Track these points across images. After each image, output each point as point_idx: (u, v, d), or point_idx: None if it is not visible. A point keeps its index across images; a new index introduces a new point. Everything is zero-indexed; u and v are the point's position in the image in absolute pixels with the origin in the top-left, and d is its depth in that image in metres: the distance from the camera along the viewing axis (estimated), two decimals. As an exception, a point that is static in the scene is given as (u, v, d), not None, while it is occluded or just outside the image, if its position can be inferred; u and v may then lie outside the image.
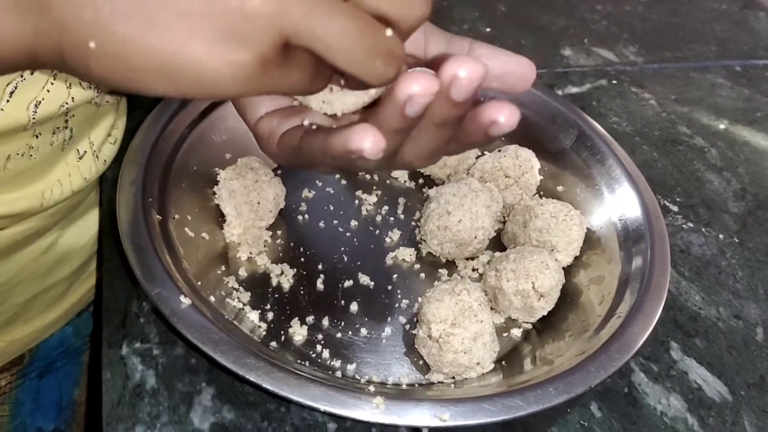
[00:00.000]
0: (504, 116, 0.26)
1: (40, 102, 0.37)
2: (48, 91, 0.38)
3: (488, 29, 0.78)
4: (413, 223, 0.52)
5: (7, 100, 0.36)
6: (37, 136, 0.40)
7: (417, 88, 0.24)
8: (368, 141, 0.25)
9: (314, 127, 0.30)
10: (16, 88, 0.36)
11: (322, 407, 0.34)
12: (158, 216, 0.43)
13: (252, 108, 0.34)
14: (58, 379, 0.61)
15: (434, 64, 0.28)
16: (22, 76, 0.36)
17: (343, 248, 0.49)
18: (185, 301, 0.37)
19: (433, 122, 0.27)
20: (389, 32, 0.26)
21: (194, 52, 0.24)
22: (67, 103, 0.39)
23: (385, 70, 0.26)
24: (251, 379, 0.34)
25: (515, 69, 0.32)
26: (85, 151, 0.46)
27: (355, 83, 0.30)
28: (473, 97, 0.26)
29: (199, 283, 0.41)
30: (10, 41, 0.24)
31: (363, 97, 0.31)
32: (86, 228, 0.54)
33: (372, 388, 0.36)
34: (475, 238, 0.47)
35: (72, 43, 0.24)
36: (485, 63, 0.29)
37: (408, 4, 0.26)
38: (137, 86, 0.25)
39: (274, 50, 0.24)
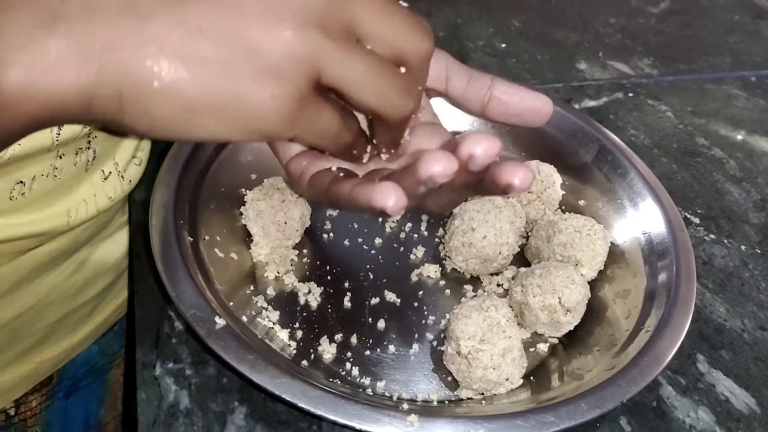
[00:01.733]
0: (519, 179, 0.27)
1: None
2: None
3: (503, 45, 0.78)
4: (437, 239, 0.52)
5: None
6: (60, 157, 0.42)
7: (438, 168, 0.26)
8: (391, 200, 0.26)
9: (341, 174, 0.32)
10: None
11: (357, 425, 0.35)
12: (189, 238, 0.43)
13: (284, 148, 0.36)
14: (84, 399, 0.62)
15: (451, 145, 0.30)
16: None
17: (368, 266, 0.50)
18: (220, 321, 0.38)
19: (452, 185, 0.29)
20: (402, 70, 0.29)
21: (243, 87, 0.26)
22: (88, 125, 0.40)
23: (403, 104, 0.29)
24: (287, 398, 0.35)
25: (533, 105, 0.34)
26: (110, 172, 0.47)
27: (378, 132, 0.32)
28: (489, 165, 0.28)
29: (231, 303, 0.42)
30: (71, 90, 0.24)
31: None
32: (114, 248, 0.54)
33: (405, 406, 0.37)
34: (500, 253, 0.48)
35: (135, 85, 0.25)
36: (505, 100, 0.34)
37: (411, 41, 0.29)
38: (190, 127, 0.27)
39: (309, 86, 0.27)
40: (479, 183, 0.29)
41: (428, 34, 0.30)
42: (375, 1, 0.28)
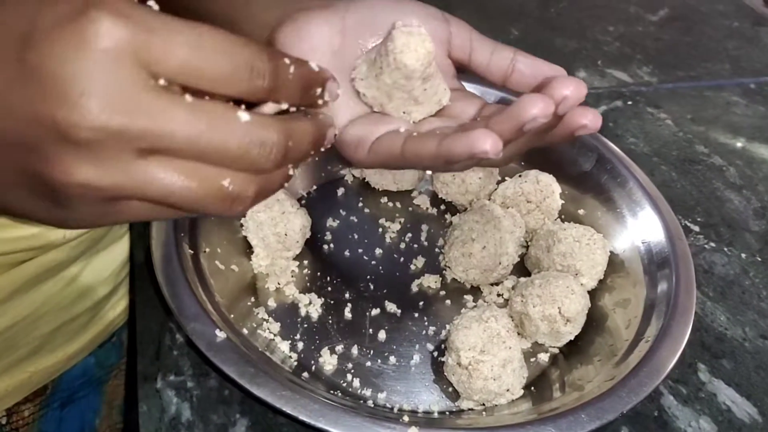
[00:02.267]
0: (589, 120, 0.29)
1: None
2: None
3: (502, 53, 0.79)
4: (437, 249, 0.53)
5: None
6: None
7: (538, 110, 0.27)
8: (488, 144, 0.27)
9: (415, 134, 0.33)
10: None
11: (358, 438, 0.35)
12: (190, 250, 0.44)
13: (333, 115, 0.35)
14: (80, 410, 0.62)
15: (540, 87, 0.32)
16: None
17: (368, 276, 0.50)
18: (220, 334, 0.38)
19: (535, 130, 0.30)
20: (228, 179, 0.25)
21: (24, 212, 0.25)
22: None
23: (232, 209, 0.26)
24: (288, 411, 0.35)
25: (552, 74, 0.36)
26: None
27: None
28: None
29: (232, 315, 0.42)
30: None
31: (435, 107, 0.36)
32: (110, 260, 0.55)
33: (406, 418, 0.37)
34: (500, 264, 0.48)
35: None
36: (527, 72, 0.36)
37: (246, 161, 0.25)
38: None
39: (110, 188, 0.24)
40: (549, 130, 0.31)
41: (272, 146, 0.25)
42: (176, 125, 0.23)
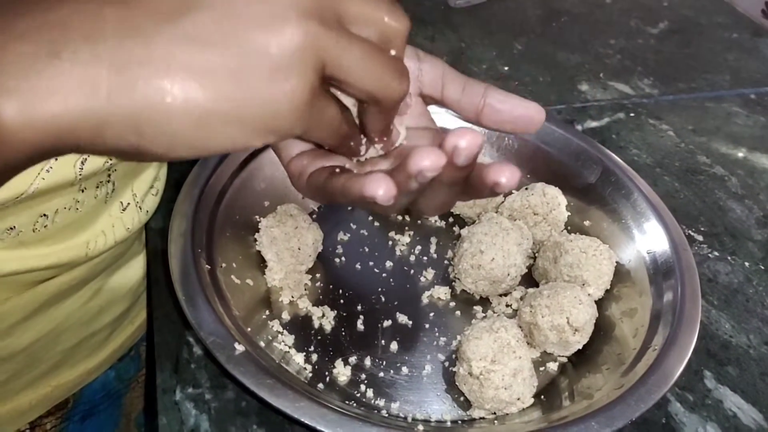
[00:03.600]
0: (505, 177, 0.28)
1: (86, 159, 0.40)
2: None
3: (506, 68, 0.80)
4: (446, 261, 0.54)
5: (56, 159, 0.39)
6: (82, 191, 0.43)
7: (427, 162, 0.27)
8: (381, 189, 0.27)
9: (337, 170, 0.33)
10: None
11: (375, 447, 0.36)
12: (207, 265, 0.45)
13: (286, 149, 0.37)
14: (100, 423, 0.63)
15: (438, 141, 0.31)
16: None
17: (380, 289, 0.51)
18: (239, 347, 0.39)
19: (441, 182, 0.30)
20: (393, 52, 0.30)
21: (256, 90, 0.26)
22: (110, 159, 0.42)
23: (399, 85, 0.30)
24: (306, 421, 0.36)
25: (526, 113, 0.35)
26: (128, 203, 0.48)
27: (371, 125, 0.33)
28: (474, 160, 0.29)
29: (249, 329, 0.43)
30: (78, 116, 0.24)
31: (400, 138, 0.36)
32: (129, 276, 0.56)
33: (420, 427, 0.38)
34: (508, 275, 0.49)
35: (149, 106, 0.25)
36: (499, 108, 0.35)
37: (394, 21, 0.30)
38: (210, 139, 0.27)
39: (318, 77, 0.27)
40: (468, 184, 0.30)
41: (403, 14, 0.30)
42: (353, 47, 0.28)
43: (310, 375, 0.44)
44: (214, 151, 0.27)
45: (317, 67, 0.27)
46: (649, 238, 0.51)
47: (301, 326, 0.47)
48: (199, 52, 0.25)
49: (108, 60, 0.24)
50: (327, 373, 0.44)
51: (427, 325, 0.49)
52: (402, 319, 0.49)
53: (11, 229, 0.41)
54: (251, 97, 0.26)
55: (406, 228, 0.56)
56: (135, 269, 0.57)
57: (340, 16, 0.28)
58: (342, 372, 0.44)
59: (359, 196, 0.28)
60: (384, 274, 0.52)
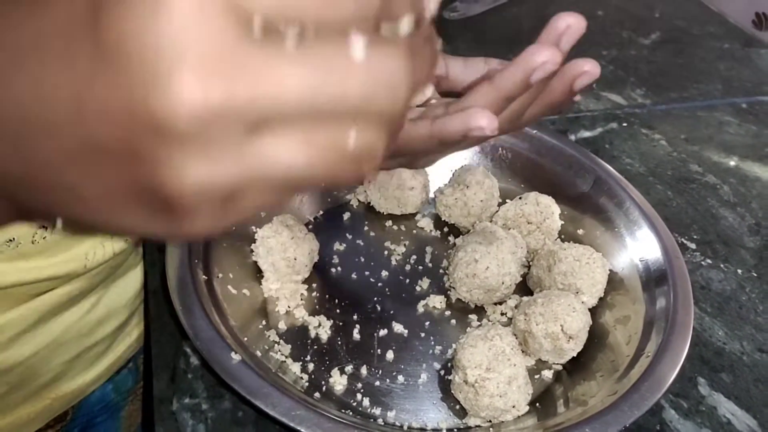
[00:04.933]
0: (589, 66, 0.30)
1: None
2: None
3: (500, 78, 0.81)
4: (441, 270, 0.54)
5: None
6: None
7: (545, 57, 0.28)
8: (484, 120, 0.28)
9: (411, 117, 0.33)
10: None
11: (370, 455, 0.36)
12: (204, 276, 0.45)
13: None
14: (99, 435, 0.63)
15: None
16: None
17: (376, 298, 0.51)
18: (235, 357, 0.39)
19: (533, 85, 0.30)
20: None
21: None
22: None
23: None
24: (303, 431, 0.36)
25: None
26: None
27: None
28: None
29: (246, 338, 0.43)
30: None
31: (426, 93, 0.36)
32: (126, 287, 0.56)
33: (416, 435, 0.38)
34: (503, 283, 0.49)
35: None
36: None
37: None
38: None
39: None
40: (547, 89, 0.32)
41: None
42: None
43: (307, 384, 0.44)
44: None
45: None
46: (642, 246, 0.52)
47: (297, 336, 0.48)
48: None
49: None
50: (323, 382, 0.45)
51: (422, 334, 0.49)
52: (398, 328, 0.49)
53: (11, 241, 0.41)
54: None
55: (401, 238, 0.57)
56: (132, 281, 0.57)
57: None
58: (338, 381, 0.45)
59: (462, 130, 0.29)
60: (380, 284, 0.52)
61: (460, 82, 0.40)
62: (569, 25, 0.29)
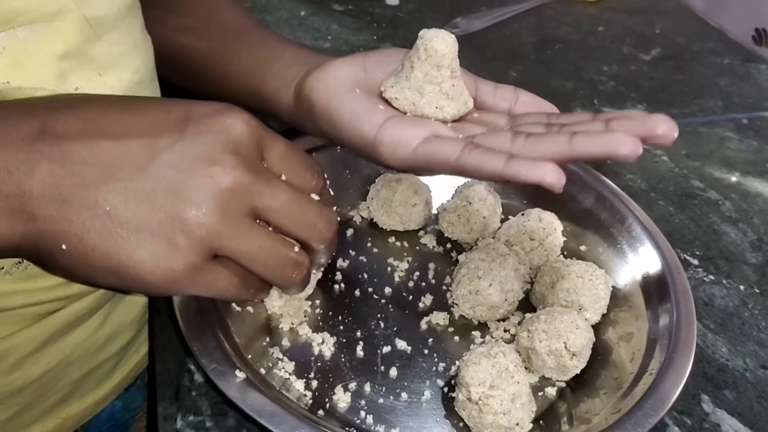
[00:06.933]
0: (662, 129, 0.31)
1: None
2: None
3: (502, 95, 0.81)
4: (444, 287, 0.54)
5: None
6: None
7: (627, 150, 0.30)
8: (550, 176, 0.30)
9: (470, 147, 0.35)
10: None
11: (375, 473, 0.36)
12: (208, 293, 0.45)
13: (369, 118, 0.40)
14: (108, 453, 0.63)
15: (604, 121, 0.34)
16: None
17: (379, 315, 0.51)
18: (240, 375, 0.39)
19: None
20: (296, 248, 0.37)
21: (139, 260, 0.32)
22: None
23: (294, 277, 0.37)
24: (307, 448, 0.36)
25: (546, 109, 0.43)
26: None
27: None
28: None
29: (250, 355, 0.44)
30: (3, 239, 0.32)
31: (464, 107, 0.41)
32: (133, 304, 0.56)
33: (420, 453, 0.38)
34: (506, 300, 0.49)
35: (49, 245, 0.32)
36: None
37: (313, 231, 0.36)
38: (91, 280, 0.33)
39: (203, 261, 0.33)
40: None
41: (331, 225, 0.37)
42: (280, 195, 0.34)
43: (311, 401, 0.44)
44: (101, 286, 0.40)
45: (205, 253, 0.33)
46: (645, 262, 0.52)
47: (301, 353, 0.48)
48: (109, 216, 0.31)
49: (27, 213, 0.31)
50: (327, 399, 0.45)
51: (426, 351, 0.49)
52: (401, 344, 0.49)
53: (20, 263, 0.42)
54: (137, 261, 0.32)
55: (405, 254, 0.57)
56: (139, 298, 0.57)
57: (254, 212, 0.34)
58: (342, 398, 0.45)
59: (521, 179, 0.31)
60: (383, 300, 0.53)
61: (489, 106, 0.42)
62: (664, 133, 0.31)
